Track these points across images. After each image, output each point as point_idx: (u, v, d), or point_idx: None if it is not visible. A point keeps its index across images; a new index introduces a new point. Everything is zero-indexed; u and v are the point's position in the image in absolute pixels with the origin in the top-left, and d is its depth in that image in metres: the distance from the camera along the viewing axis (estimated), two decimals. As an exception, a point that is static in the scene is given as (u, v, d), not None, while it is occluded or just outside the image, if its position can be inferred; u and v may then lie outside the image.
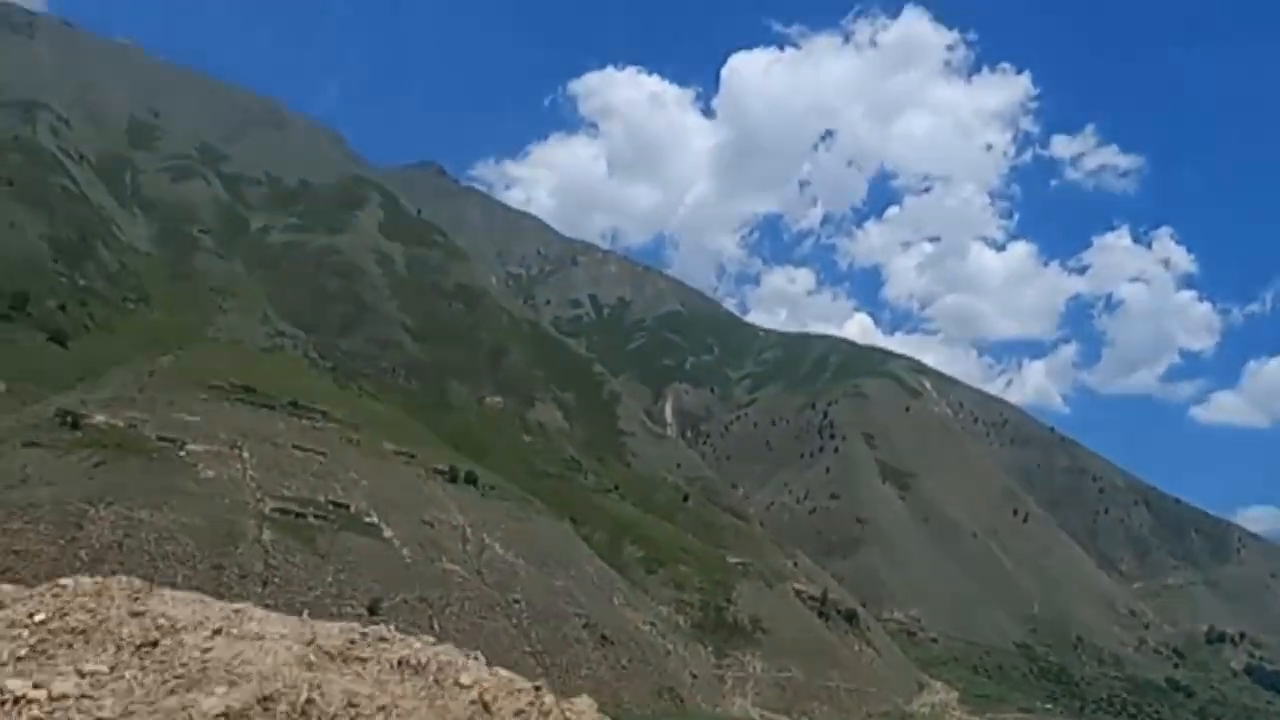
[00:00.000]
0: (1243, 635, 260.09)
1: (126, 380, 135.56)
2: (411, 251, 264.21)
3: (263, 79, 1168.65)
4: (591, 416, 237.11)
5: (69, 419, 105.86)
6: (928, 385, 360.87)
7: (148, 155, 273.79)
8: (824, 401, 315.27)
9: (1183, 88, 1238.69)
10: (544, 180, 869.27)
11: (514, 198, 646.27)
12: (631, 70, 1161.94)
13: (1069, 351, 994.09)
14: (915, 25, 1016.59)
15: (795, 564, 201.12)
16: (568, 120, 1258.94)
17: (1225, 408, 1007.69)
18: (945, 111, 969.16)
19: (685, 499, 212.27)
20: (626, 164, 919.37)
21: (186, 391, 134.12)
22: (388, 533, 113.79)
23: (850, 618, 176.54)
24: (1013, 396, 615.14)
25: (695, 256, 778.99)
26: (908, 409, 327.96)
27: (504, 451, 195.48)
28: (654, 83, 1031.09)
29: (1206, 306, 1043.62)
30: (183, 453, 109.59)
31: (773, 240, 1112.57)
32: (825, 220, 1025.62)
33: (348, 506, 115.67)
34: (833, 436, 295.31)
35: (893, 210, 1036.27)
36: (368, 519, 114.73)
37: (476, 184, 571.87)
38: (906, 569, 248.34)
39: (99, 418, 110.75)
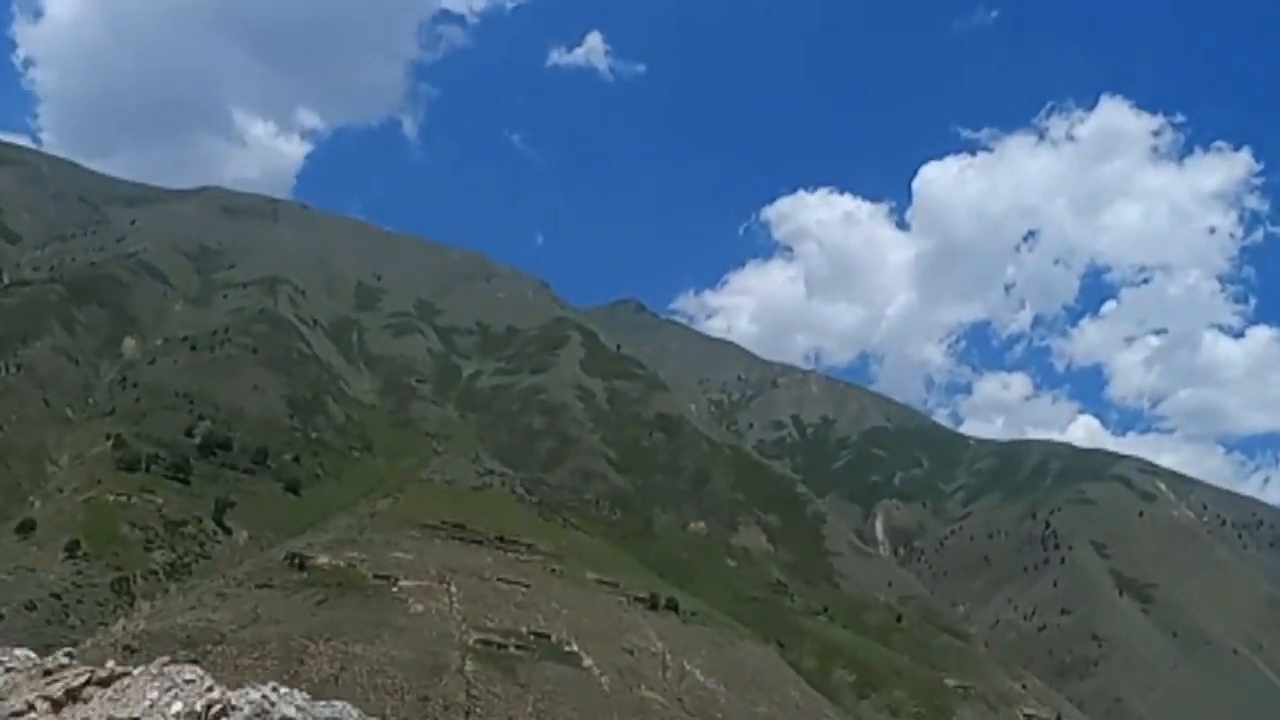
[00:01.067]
0: None
1: (349, 523, 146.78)
2: (612, 385, 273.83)
3: (473, 237, 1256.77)
4: (797, 538, 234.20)
5: (296, 561, 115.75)
6: (1162, 487, 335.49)
7: (372, 315, 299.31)
8: (1045, 510, 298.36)
9: None
10: (744, 307, 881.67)
11: (715, 326, 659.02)
12: (823, 191, 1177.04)
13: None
14: (1114, 115, 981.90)
15: (1024, 686, 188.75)
16: (763, 246, 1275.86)
17: None
18: (1158, 198, 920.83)
19: (899, 619, 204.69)
20: (825, 284, 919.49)
21: (401, 531, 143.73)
22: (587, 661, 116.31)
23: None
24: (1271, 495, 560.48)
25: (901, 370, 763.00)
26: (1141, 514, 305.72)
27: (708, 577, 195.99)
28: (846, 201, 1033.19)
29: None
30: (395, 589, 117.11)
31: (981, 348, 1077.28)
32: (1036, 322, 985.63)
33: (548, 636, 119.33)
34: (1058, 547, 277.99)
35: (1109, 305, 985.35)
36: (567, 648, 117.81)
37: (677, 316, 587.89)
38: (1154, 690, 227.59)
39: (323, 559, 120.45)
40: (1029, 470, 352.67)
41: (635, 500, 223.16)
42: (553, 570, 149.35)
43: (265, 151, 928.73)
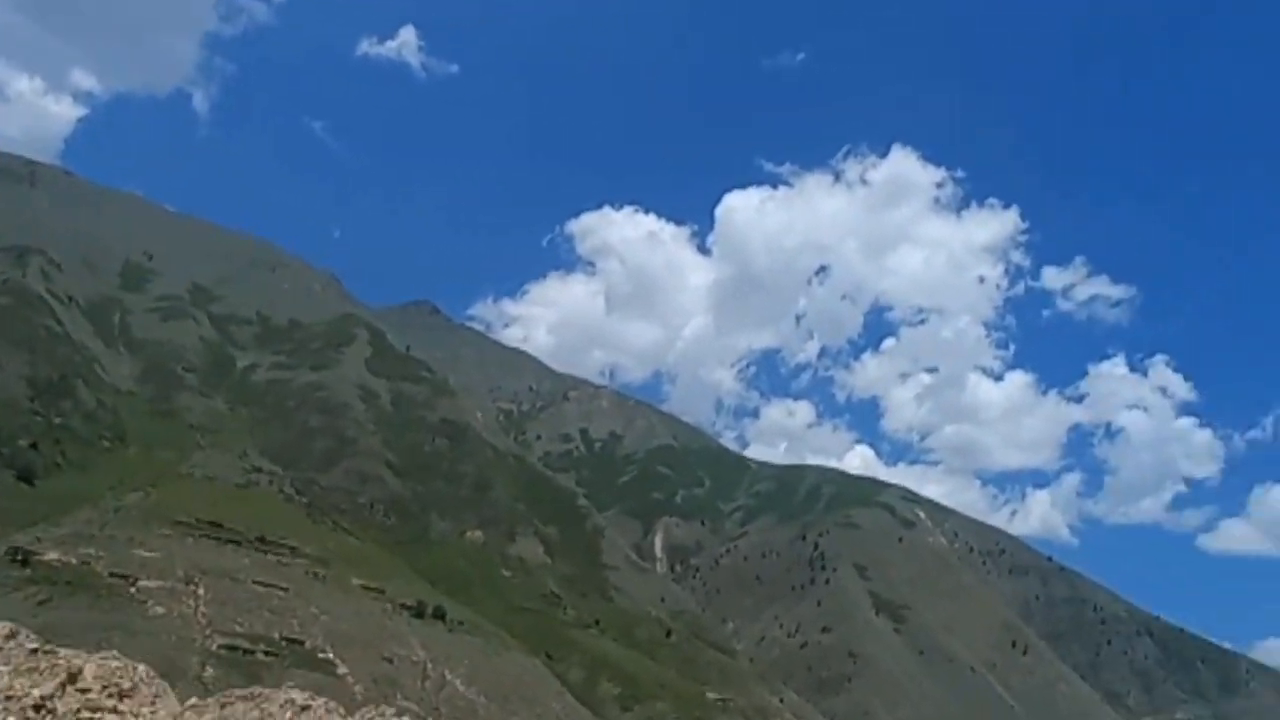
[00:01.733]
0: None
1: (90, 517, 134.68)
2: (397, 387, 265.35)
3: (262, 223, 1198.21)
4: (575, 551, 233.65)
5: (19, 556, 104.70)
6: (922, 515, 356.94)
7: (138, 297, 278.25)
8: (815, 533, 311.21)
9: (1172, 218, 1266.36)
10: (542, 318, 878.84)
11: (511, 336, 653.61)
12: (629, 209, 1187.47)
13: (1073, 481, 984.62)
14: (904, 164, 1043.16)
15: (782, 700, 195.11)
16: (566, 259, 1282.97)
17: (1234, 536, 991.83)
18: (937, 246, 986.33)
19: (669, 634, 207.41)
20: (625, 301, 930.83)
21: (150, 528, 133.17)
22: (341, 669, 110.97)
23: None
24: (1018, 527, 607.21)
25: (693, 391, 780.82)
26: (901, 539, 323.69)
27: (481, 587, 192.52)
28: (650, 221, 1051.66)
29: (1208, 433, 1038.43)
30: (134, 589, 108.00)
31: (770, 374, 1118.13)
32: (822, 353, 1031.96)
33: (302, 642, 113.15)
34: (824, 568, 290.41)
35: (889, 342, 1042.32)
36: (321, 655, 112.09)
37: (473, 323, 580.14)
38: (902, 705, 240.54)
39: (51, 555, 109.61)
40: (804, 494, 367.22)
41: (412, 506, 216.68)
42: (315, 574, 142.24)
43: (29, 110, 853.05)
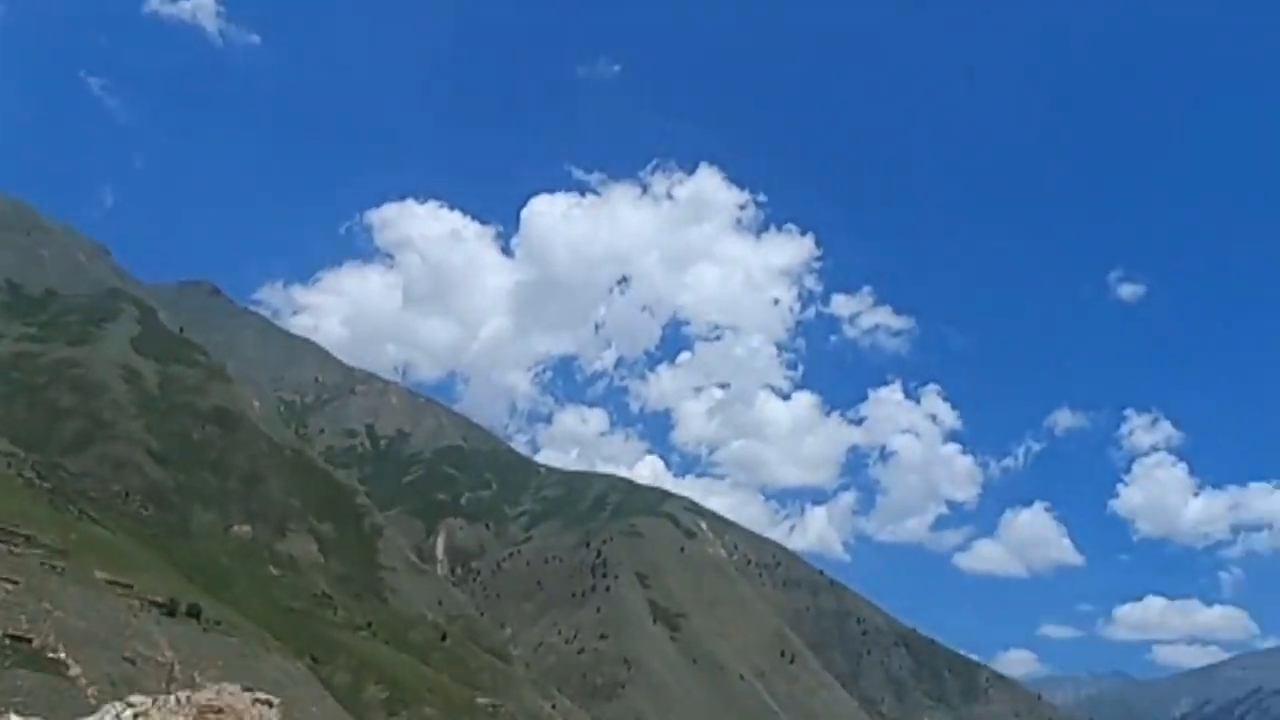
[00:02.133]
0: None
1: None
2: (166, 370, 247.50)
3: (20, 183, 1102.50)
4: (350, 550, 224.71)
5: None
6: (704, 526, 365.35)
7: None
8: (599, 540, 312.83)
9: (951, 258, 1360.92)
10: (335, 308, 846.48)
11: (300, 324, 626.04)
12: (432, 204, 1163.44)
13: (848, 499, 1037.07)
14: (709, 183, 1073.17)
15: (554, 706, 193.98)
16: (364, 249, 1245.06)
17: (986, 556, 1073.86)
18: (736, 265, 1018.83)
19: (443, 638, 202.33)
20: (422, 297, 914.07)
21: None
22: (74, 670, 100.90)
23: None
24: (796, 542, 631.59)
25: (487, 393, 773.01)
26: (682, 549, 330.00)
27: (246, 585, 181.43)
28: (454, 218, 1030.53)
29: (969, 460, 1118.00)
30: None
31: (566, 380, 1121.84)
32: (619, 363, 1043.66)
33: (29, 640, 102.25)
34: (605, 575, 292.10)
35: (685, 356, 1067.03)
36: (52, 654, 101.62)
37: (259, 307, 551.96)
38: (673, 712, 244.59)
39: None
40: (590, 501, 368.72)
41: (174, 497, 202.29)
42: (52, 567, 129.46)
43: None
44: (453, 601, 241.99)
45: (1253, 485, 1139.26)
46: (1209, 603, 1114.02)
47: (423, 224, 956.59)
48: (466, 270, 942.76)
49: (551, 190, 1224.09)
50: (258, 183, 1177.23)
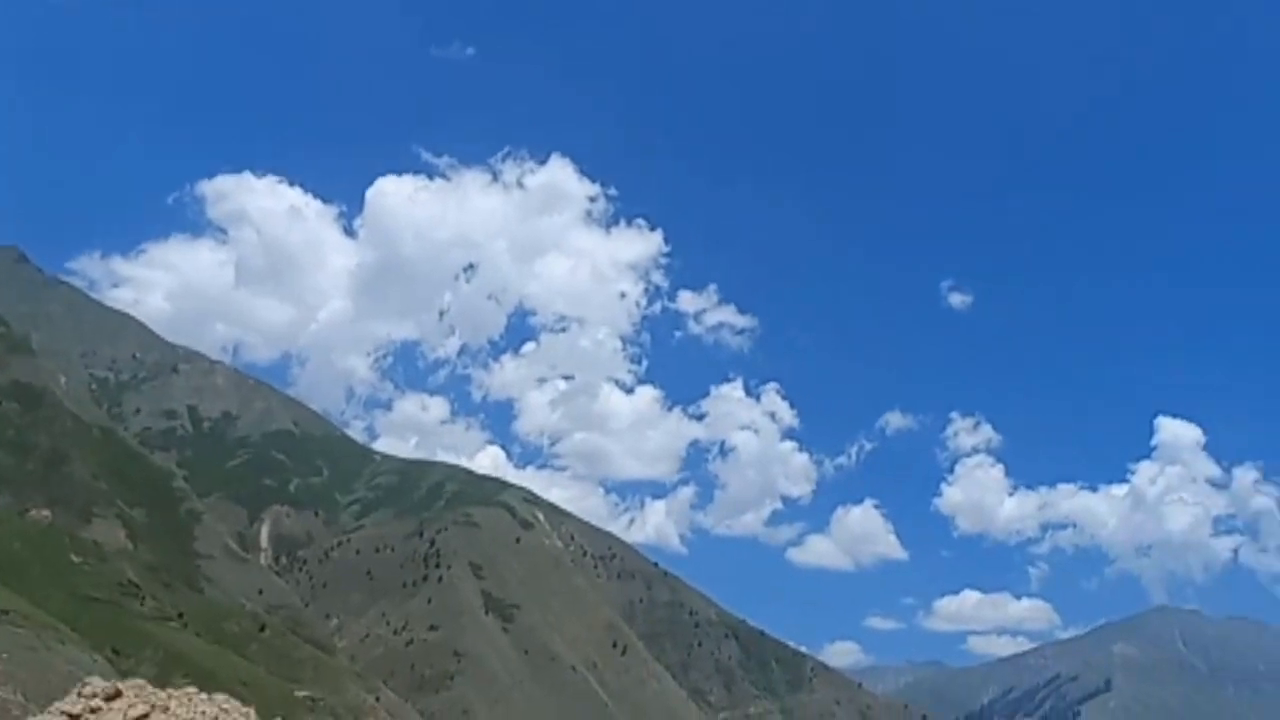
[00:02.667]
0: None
1: None
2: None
3: None
4: (163, 537, 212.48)
5: None
6: (541, 517, 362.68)
7: None
8: (433, 529, 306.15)
9: (795, 261, 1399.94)
10: (160, 282, 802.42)
11: (119, 297, 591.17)
12: (271, 179, 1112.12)
13: (688, 493, 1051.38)
14: (560, 174, 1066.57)
15: (378, 699, 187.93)
16: (194, 222, 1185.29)
17: (818, 551, 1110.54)
18: (584, 257, 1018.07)
19: (262, 629, 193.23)
20: (257, 275, 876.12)
21: None
22: None
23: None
24: (635, 535, 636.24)
25: (323, 377, 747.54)
26: (518, 540, 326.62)
27: (44, 574, 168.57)
28: (294, 194, 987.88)
29: (804, 457, 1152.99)
30: None
31: (407, 367, 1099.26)
32: (462, 351, 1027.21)
33: None
34: (438, 566, 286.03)
35: (530, 346, 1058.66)
36: None
37: (73, 278, 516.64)
38: (501, 703, 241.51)
39: None
40: (426, 490, 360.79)
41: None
42: None
43: None
44: (275, 591, 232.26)
45: (1060, 486, 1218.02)
46: (1018, 596, 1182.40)
47: (260, 199, 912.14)
48: (306, 249, 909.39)
49: (399, 172, 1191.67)
50: (77, 143, 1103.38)
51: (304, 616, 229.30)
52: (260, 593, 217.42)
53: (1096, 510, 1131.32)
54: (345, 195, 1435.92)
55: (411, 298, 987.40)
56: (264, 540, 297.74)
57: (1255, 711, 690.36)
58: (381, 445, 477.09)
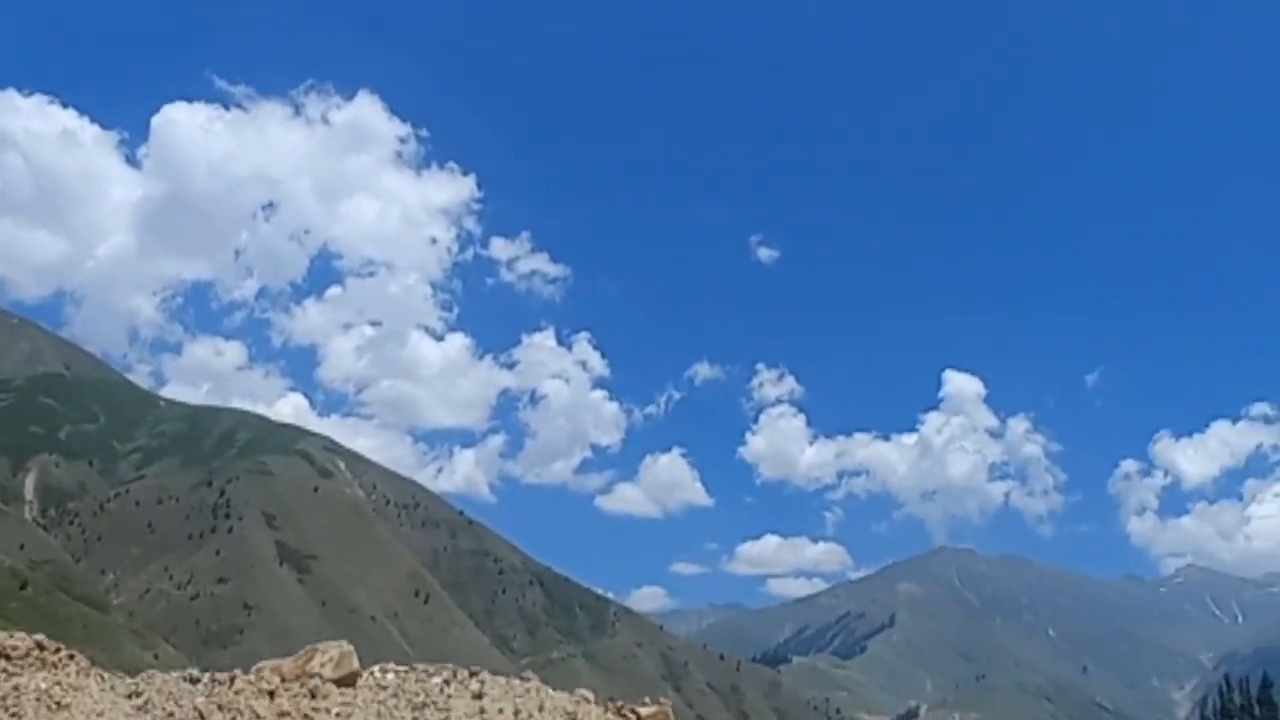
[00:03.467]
0: (612, 699, 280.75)
1: None
2: None
3: None
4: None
5: None
6: (342, 466, 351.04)
7: None
8: (223, 479, 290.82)
9: (610, 211, 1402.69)
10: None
11: None
12: (40, 98, 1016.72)
13: (497, 442, 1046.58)
14: (369, 111, 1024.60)
15: (156, 656, 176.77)
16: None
17: (626, 498, 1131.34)
18: (394, 200, 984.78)
19: (23, 586, 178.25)
20: (23, 205, 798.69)
21: None
22: None
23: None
24: (444, 484, 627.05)
25: (102, 317, 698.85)
26: (317, 489, 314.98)
27: None
28: (68, 117, 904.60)
29: (614, 406, 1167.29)
30: None
31: (200, 309, 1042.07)
32: (261, 294, 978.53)
33: None
34: (228, 516, 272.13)
35: (334, 290, 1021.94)
36: None
37: None
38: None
39: None
40: (216, 438, 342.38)
41: None
42: None
43: None
44: (40, 546, 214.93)
45: (857, 435, 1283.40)
46: (815, 539, 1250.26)
47: (27, 120, 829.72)
48: (82, 179, 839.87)
49: (189, 99, 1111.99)
50: None
51: (73, 572, 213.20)
52: (22, 548, 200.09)
53: (888, 458, 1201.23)
54: (128, 122, 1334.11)
55: (204, 235, 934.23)
56: (29, 491, 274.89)
57: (1017, 639, 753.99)
58: (170, 392, 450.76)
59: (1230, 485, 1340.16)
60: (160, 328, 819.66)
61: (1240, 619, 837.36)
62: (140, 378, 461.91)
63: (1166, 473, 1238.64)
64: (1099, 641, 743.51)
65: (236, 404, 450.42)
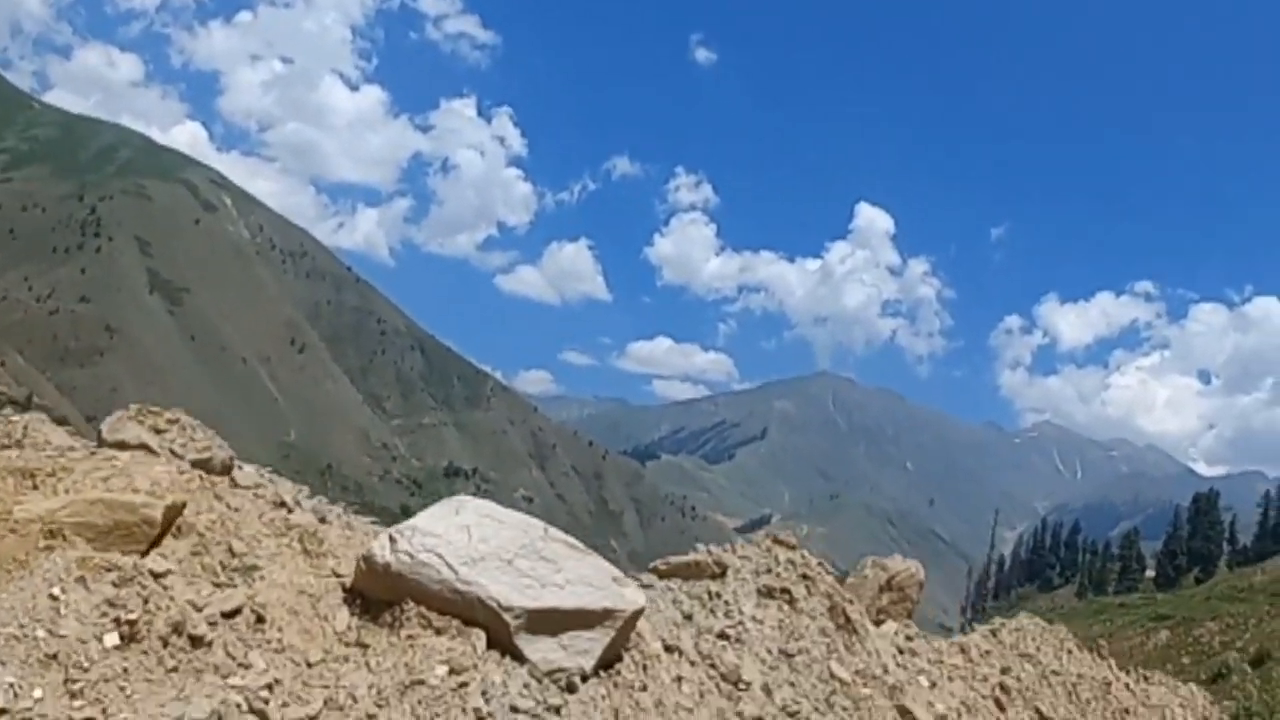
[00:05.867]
0: (475, 470, 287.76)
1: None
2: None
3: None
4: None
5: None
6: (228, 202, 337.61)
7: None
8: (96, 196, 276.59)
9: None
10: None
11: None
12: None
13: (403, 205, 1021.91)
14: None
15: (3, 364, 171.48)
16: None
17: (526, 281, 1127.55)
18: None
19: None
20: None
21: None
22: None
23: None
24: (343, 240, 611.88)
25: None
26: (198, 221, 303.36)
27: None
28: None
29: (528, 187, 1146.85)
30: None
31: (93, 11, 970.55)
32: (163, 6, 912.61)
33: None
34: (98, 235, 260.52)
35: (244, 16, 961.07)
36: None
37: None
38: (155, 385, 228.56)
39: None
40: (94, 152, 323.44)
41: None
42: None
43: None
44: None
45: (763, 253, 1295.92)
46: (706, 348, 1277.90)
47: None
48: None
49: None
50: None
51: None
52: None
53: (789, 279, 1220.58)
54: None
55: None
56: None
57: (876, 467, 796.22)
58: (53, 98, 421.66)
59: (1100, 353, 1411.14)
60: (47, 25, 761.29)
61: (1079, 475, 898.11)
62: (20, 76, 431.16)
63: (1045, 333, 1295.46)
64: (950, 479, 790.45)
65: (129, 122, 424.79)
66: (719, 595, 7.69)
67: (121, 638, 4.34)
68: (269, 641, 4.78)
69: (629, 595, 5.84)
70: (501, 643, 5.21)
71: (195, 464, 6.16)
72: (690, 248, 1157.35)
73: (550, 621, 5.41)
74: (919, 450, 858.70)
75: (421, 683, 4.83)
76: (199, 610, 4.66)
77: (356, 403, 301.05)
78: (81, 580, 4.46)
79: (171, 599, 4.64)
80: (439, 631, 5.20)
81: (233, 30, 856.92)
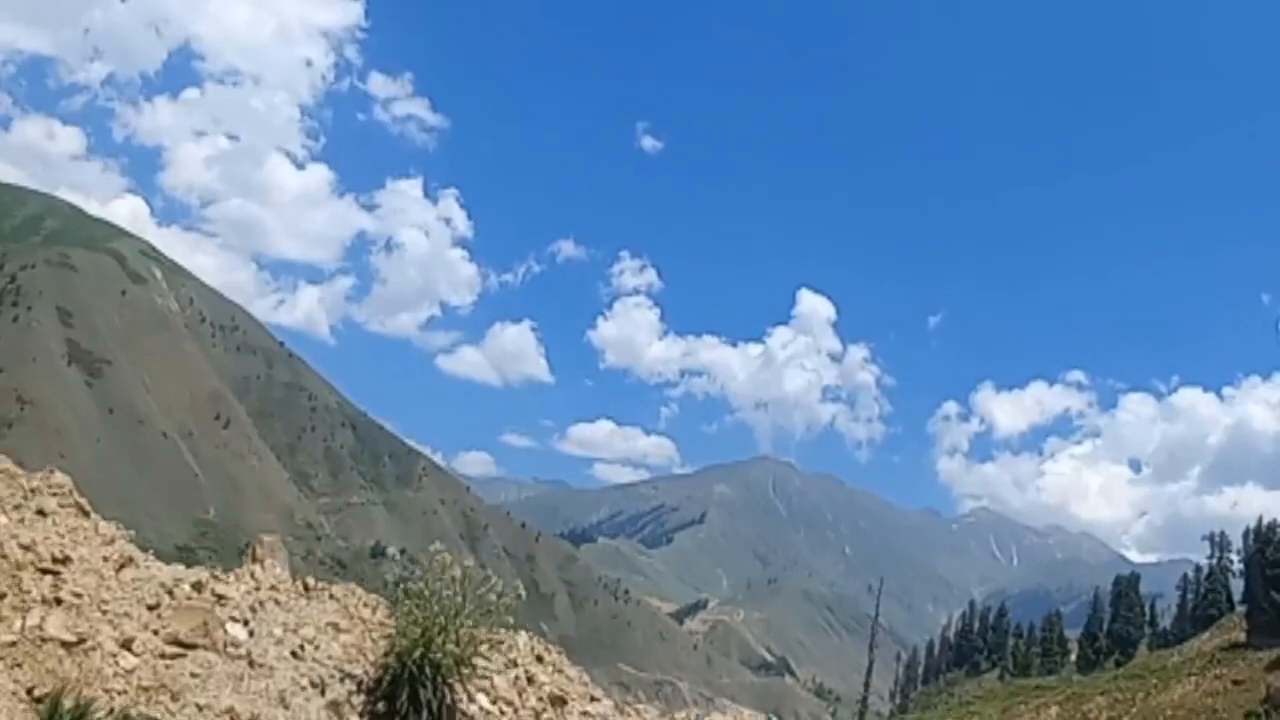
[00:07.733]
0: (404, 551, 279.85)
1: None
2: None
3: None
4: None
5: None
6: (158, 274, 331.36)
7: None
8: (18, 264, 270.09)
9: (495, 65, 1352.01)
10: None
11: None
12: None
13: (345, 284, 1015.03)
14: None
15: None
16: None
17: (468, 361, 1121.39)
18: (270, 10, 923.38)
19: None
20: None
21: None
22: None
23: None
24: (282, 317, 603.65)
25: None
26: (124, 293, 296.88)
27: None
28: None
29: (472, 268, 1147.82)
30: None
31: (35, 84, 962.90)
32: (109, 80, 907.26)
33: None
34: (16, 305, 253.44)
35: (191, 93, 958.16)
36: None
37: None
38: (69, 459, 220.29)
39: None
40: (20, 220, 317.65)
41: None
42: None
43: None
44: None
45: (706, 337, 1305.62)
46: (648, 431, 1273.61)
47: None
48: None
49: None
50: None
51: None
52: None
53: (731, 364, 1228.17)
54: None
55: (47, 5, 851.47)
56: None
57: (815, 552, 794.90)
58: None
59: (1034, 440, 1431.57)
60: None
61: (1015, 561, 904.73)
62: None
63: (982, 420, 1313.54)
64: (888, 564, 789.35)
65: (65, 195, 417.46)
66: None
67: None
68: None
69: None
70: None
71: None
72: (634, 331, 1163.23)
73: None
74: (858, 535, 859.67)
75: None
76: None
77: (282, 480, 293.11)
78: None
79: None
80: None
81: (179, 106, 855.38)
